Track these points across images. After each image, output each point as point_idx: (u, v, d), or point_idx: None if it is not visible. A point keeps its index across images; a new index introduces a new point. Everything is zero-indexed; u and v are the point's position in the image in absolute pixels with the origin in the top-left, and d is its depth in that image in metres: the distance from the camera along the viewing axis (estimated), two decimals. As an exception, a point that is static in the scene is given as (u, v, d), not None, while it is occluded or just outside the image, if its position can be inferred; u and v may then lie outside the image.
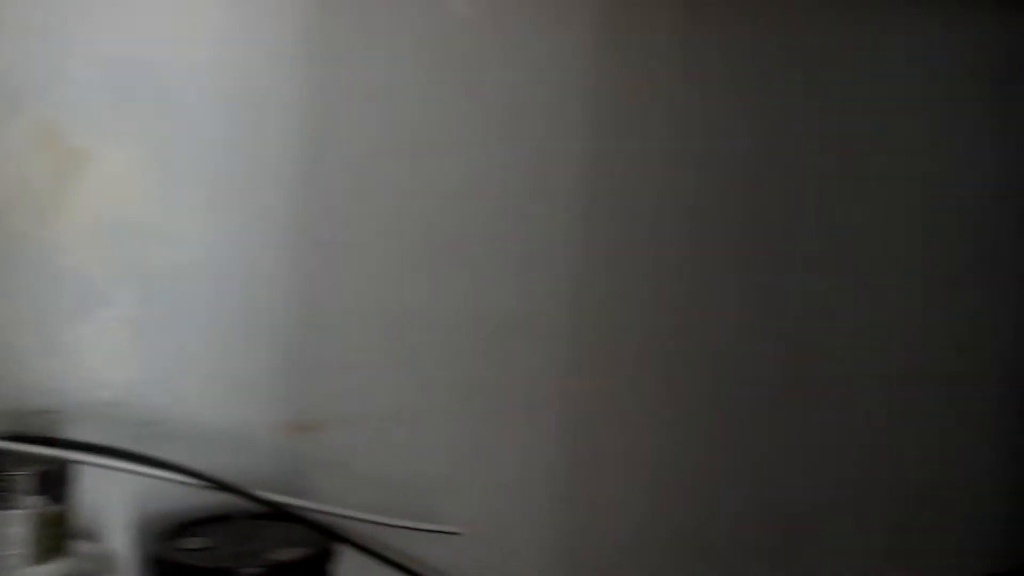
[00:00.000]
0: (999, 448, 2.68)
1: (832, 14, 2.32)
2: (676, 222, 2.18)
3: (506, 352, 1.96)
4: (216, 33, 1.61)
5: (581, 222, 2.04)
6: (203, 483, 1.47)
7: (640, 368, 2.15)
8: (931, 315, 2.54)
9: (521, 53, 1.97)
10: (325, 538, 1.49)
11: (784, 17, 2.28)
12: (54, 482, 1.24)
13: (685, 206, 2.18)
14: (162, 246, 1.59)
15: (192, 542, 1.40)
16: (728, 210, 2.25)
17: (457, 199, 1.89)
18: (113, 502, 1.52)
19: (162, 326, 1.61)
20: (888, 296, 2.48)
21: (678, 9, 2.13)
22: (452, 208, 1.89)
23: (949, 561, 2.65)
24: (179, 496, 1.53)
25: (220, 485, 1.47)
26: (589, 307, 2.07)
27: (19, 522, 1.19)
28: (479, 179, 1.91)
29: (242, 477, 1.60)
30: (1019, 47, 2.47)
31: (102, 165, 1.54)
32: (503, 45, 1.91)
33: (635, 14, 2.07)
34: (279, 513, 1.51)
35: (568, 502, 2.08)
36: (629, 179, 2.10)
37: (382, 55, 1.77)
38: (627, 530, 2.20)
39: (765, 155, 2.28)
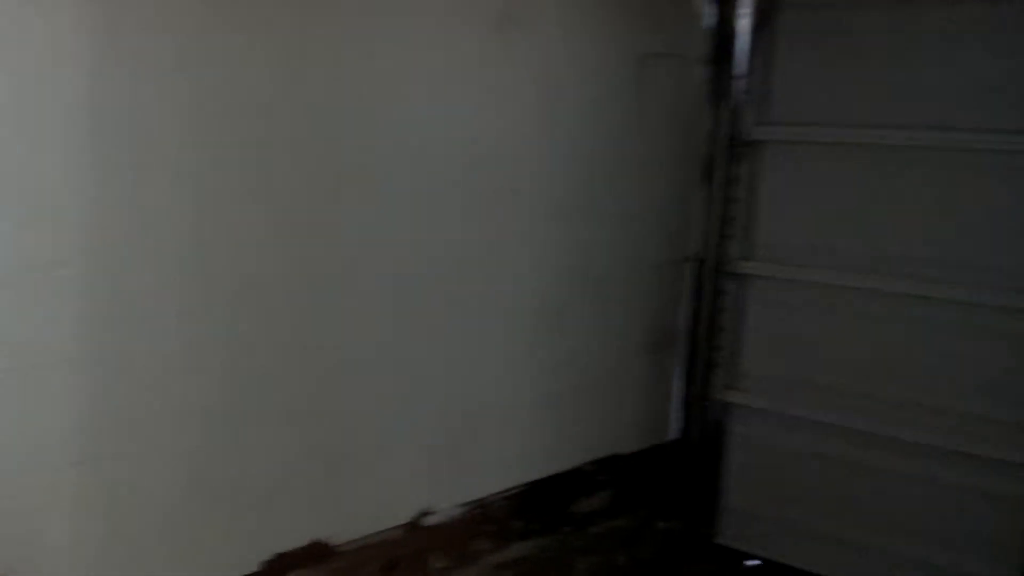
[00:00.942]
0: (534, 369, 2.97)
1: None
2: (198, 165, 2.14)
3: (6, 310, 1.82)
4: None
5: (90, 167, 1.93)
6: None
7: (166, 315, 2.08)
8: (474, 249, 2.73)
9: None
10: None
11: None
12: None
13: (204, 149, 2.15)
14: None
15: None
16: (259, 151, 2.25)
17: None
18: None
19: None
20: (430, 226, 2.64)
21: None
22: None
23: (495, 471, 2.91)
24: None
25: None
26: (102, 254, 1.96)
27: None
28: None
29: None
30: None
31: None
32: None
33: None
34: None
35: (94, 462, 1.95)
36: (135, 118, 2.02)
37: None
38: (174, 484, 2.13)
39: (290, 92, 2.31)
